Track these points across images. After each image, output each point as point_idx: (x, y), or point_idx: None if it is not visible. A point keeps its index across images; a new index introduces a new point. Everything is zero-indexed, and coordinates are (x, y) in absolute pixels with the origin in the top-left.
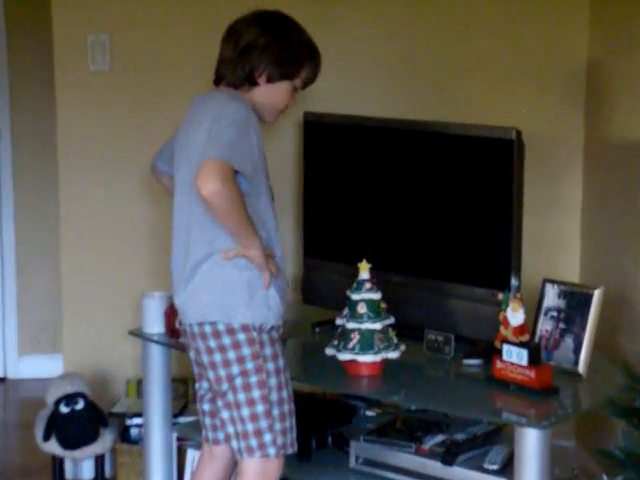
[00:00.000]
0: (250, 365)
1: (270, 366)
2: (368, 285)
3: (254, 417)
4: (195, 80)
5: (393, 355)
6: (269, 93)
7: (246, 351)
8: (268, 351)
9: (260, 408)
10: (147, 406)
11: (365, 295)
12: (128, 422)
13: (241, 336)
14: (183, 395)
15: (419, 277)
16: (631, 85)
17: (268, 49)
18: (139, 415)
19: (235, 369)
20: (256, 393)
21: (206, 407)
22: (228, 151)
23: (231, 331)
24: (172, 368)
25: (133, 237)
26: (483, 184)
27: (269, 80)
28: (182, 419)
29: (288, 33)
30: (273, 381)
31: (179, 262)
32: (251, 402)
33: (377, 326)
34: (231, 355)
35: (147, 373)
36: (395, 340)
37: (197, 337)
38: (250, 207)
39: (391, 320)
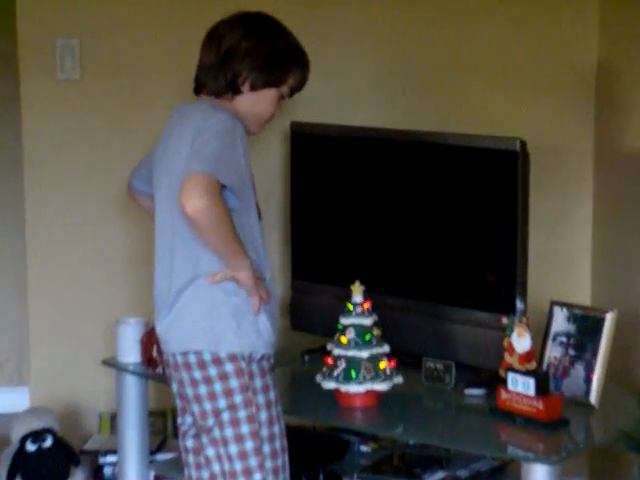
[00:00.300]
0: (239, 398)
1: (260, 399)
2: (359, 309)
3: (243, 455)
4: (174, 89)
5: (380, 387)
6: (253, 102)
7: (234, 383)
8: (258, 383)
9: (249, 445)
10: (122, 442)
11: (355, 320)
12: (101, 460)
13: (229, 366)
14: (161, 430)
15: (416, 300)
16: None
17: (252, 54)
18: (113, 452)
19: (222, 403)
20: (245, 428)
21: (189, 444)
22: (213, 164)
23: (218, 361)
24: (149, 401)
25: (106, 260)
26: (485, 199)
27: (253, 88)
28: (160, 456)
29: (273, 36)
30: (264, 415)
31: (162, 287)
32: (240, 438)
33: (364, 354)
34: (218, 387)
35: (122, 406)
36: (388, 371)
37: (181, 368)
38: (238, 225)
39: (384, 349)
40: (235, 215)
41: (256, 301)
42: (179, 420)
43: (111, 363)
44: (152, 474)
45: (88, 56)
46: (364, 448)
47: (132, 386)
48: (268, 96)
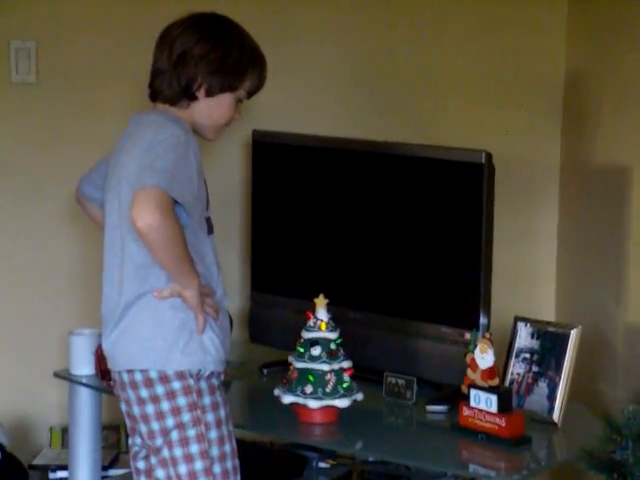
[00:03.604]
0: (187, 417)
1: (210, 417)
2: (312, 323)
3: (192, 475)
4: (134, 96)
5: (340, 403)
6: (210, 107)
7: (182, 401)
8: (207, 400)
9: (199, 465)
10: (73, 457)
11: (316, 334)
12: (51, 476)
13: (176, 384)
14: (114, 445)
15: (378, 314)
16: (614, 102)
17: (206, 58)
18: (64, 468)
19: (170, 422)
20: (194, 448)
21: (141, 465)
22: (167, 179)
23: (165, 379)
24: (102, 414)
25: (59, 269)
26: (449, 212)
27: (209, 93)
28: (113, 472)
29: (228, 38)
30: (214, 434)
31: (111, 302)
32: (189, 458)
33: (325, 368)
34: (165, 406)
35: (74, 420)
36: (348, 386)
37: (127, 386)
38: (188, 241)
39: (343, 364)
40: (186, 231)
41: (201, 320)
42: (130, 441)
43: (63, 375)
44: None
45: (45, 59)
46: (323, 465)
47: (85, 399)
48: (225, 101)
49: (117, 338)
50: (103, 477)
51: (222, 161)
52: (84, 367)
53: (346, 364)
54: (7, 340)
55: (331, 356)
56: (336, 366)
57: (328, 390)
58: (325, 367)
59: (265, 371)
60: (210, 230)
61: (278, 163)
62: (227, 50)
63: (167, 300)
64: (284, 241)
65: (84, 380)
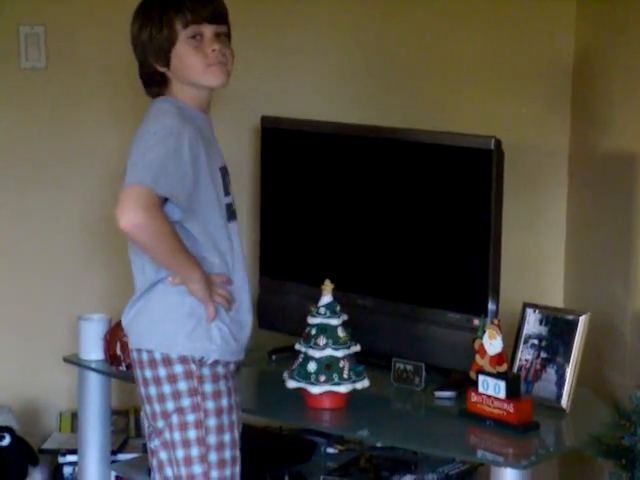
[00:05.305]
0: (186, 402)
1: (210, 405)
2: (322, 310)
3: (188, 460)
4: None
5: (346, 389)
6: (180, 69)
7: (182, 386)
8: (208, 388)
9: (195, 451)
10: (82, 441)
11: (321, 320)
12: (61, 460)
13: (178, 368)
14: (123, 429)
15: (386, 300)
16: (623, 89)
17: (139, 37)
18: (73, 452)
19: (170, 405)
20: (192, 434)
21: (152, 445)
22: (152, 175)
23: (167, 361)
24: (111, 399)
25: (69, 254)
26: (458, 198)
27: (164, 63)
28: (122, 456)
29: (142, 6)
30: (212, 422)
31: (138, 283)
32: (186, 443)
33: (337, 354)
34: (166, 389)
35: (83, 405)
36: (346, 373)
37: (136, 364)
38: (198, 231)
39: (349, 350)
40: (189, 222)
41: (211, 310)
42: (144, 421)
43: (73, 360)
44: (113, 474)
45: (54, 44)
46: (331, 450)
47: (94, 384)
48: (180, 53)
49: (134, 316)
50: (112, 461)
51: (231, 147)
52: (93, 352)
53: (348, 350)
54: (17, 325)
55: (339, 342)
56: (345, 352)
57: (335, 376)
58: (337, 353)
59: (274, 357)
60: (231, 217)
61: (287, 149)
62: (144, 14)
63: (177, 287)
64: (293, 227)
65: (93, 365)
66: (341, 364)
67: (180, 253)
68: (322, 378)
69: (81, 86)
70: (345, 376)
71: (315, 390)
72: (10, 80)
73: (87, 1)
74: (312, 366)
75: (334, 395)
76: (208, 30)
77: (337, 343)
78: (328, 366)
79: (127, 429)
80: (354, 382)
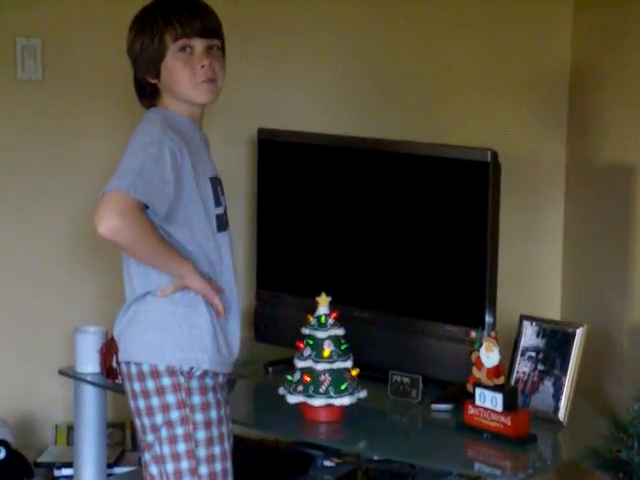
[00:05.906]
0: (175, 415)
1: (198, 417)
2: (313, 321)
3: (178, 474)
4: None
5: (345, 401)
6: (168, 83)
7: (171, 398)
8: (197, 400)
9: (184, 465)
10: (78, 455)
11: (309, 331)
12: (56, 473)
13: (166, 381)
14: (119, 442)
15: (383, 312)
16: (620, 100)
17: (132, 47)
18: (69, 465)
19: (159, 419)
20: (181, 447)
21: (144, 459)
22: (129, 180)
23: (155, 374)
24: (107, 412)
25: (63, 267)
26: (455, 210)
27: (155, 75)
28: (118, 469)
29: (134, 23)
30: (201, 435)
31: (126, 294)
32: (176, 457)
33: (333, 366)
34: (155, 402)
35: (79, 417)
36: (353, 384)
37: (125, 377)
38: (185, 239)
39: (331, 365)
40: (174, 229)
41: (217, 303)
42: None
43: (68, 373)
44: None
45: (51, 56)
46: (328, 463)
47: (90, 397)
48: (169, 67)
49: (124, 328)
50: (108, 475)
51: (228, 159)
52: (89, 365)
53: (344, 364)
54: (12, 338)
55: (338, 354)
56: (342, 365)
57: (328, 389)
58: (333, 365)
59: (270, 369)
60: (221, 227)
61: (284, 161)
62: (136, 27)
63: (168, 297)
64: (289, 239)
65: (89, 378)
66: (321, 378)
67: (165, 251)
68: (299, 388)
69: (77, 98)
70: (322, 390)
71: (292, 399)
72: (6, 92)
73: (84, 14)
74: (295, 375)
75: (332, 408)
76: (199, 44)
77: (319, 356)
78: (306, 377)
79: (123, 442)
80: (329, 398)
